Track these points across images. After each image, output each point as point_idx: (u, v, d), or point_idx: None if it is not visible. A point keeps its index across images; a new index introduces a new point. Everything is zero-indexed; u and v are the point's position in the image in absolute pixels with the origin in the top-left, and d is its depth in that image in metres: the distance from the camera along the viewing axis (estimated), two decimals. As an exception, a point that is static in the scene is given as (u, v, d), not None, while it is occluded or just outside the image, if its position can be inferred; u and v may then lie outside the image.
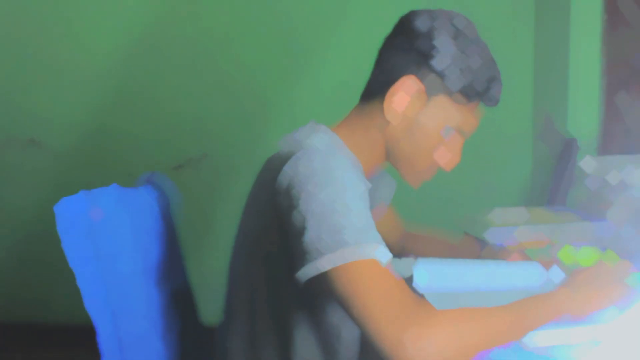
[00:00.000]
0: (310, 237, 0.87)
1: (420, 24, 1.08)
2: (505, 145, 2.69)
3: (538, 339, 0.89)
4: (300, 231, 0.88)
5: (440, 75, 1.06)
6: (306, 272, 0.87)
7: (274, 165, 1.01)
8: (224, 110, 2.70)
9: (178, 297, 1.22)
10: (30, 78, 2.69)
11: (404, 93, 1.07)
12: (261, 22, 2.67)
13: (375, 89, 1.12)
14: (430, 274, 1.12)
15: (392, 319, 0.79)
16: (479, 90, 1.08)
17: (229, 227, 2.67)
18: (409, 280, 1.14)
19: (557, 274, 1.14)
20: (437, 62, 1.06)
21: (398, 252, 1.45)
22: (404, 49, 1.08)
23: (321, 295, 1.03)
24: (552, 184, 2.31)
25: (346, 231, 0.86)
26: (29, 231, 2.77)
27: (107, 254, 0.96)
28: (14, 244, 2.78)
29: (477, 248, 1.37)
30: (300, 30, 2.66)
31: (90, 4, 2.66)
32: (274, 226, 0.99)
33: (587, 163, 1.72)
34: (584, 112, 2.25)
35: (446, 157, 1.12)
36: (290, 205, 0.92)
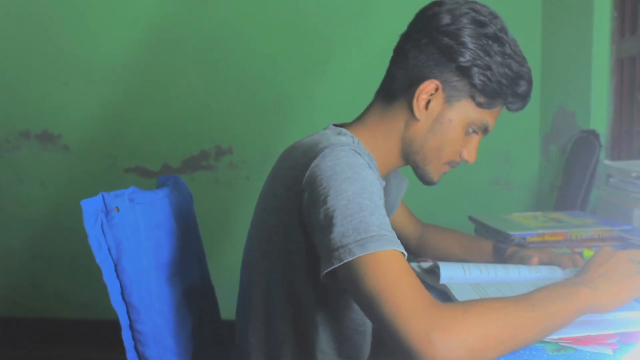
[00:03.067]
0: (339, 232, 0.87)
1: (444, 22, 1.08)
2: (513, 145, 2.69)
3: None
4: (328, 226, 0.88)
5: (465, 77, 1.07)
6: (332, 266, 0.86)
7: (297, 163, 1.01)
8: (241, 105, 2.71)
9: (195, 293, 1.23)
10: (44, 72, 2.71)
11: (431, 92, 1.09)
12: (279, 14, 2.68)
13: (400, 90, 1.13)
14: (454, 270, 1.14)
15: (421, 314, 0.78)
16: (503, 92, 1.09)
17: (246, 222, 2.70)
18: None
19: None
20: (462, 65, 1.07)
21: (416, 243, 1.46)
22: (429, 49, 1.09)
23: (345, 291, 1.03)
24: (567, 185, 2.29)
25: (374, 227, 0.86)
26: (40, 226, 2.78)
27: (122, 251, 0.96)
28: (26, 239, 2.78)
29: (489, 248, 1.36)
30: (319, 23, 2.68)
31: None
32: (295, 223, 0.99)
33: (611, 165, 1.70)
34: (597, 111, 2.23)
35: (470, 152, 1.15)
36: (317, 201, 0.92)
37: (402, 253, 0.86)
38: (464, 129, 1.12)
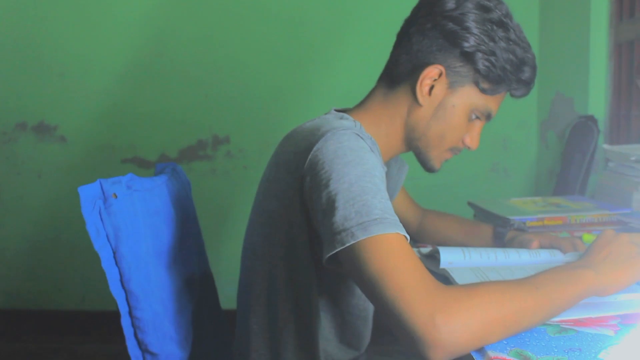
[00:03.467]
0: (341, 216, 0.86)
1: (449, 6, 1.08)
2: (511, 131, 2.68)
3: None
4: (330, 210, 0.87)
5: (469, 62, 1.07)
6: (334, 250, 0.85)
7: (299, 148, 1.00)
8: (238, 94, 2.70)
9: (194, 281, 1.22)
10: (40, 63, 2.69)
11: (435, 78, 1.08)
12: (275, 3, 2.66)
13: (403, 75, 1.13)
14: (454, 255, 1.14)
15: (424, 296, 0.78)
16: (507, 78, 1.09)
17: (244, 211, 2.69)
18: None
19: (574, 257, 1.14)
20: (466, 50, 1.06)
21: (416, 229, 1.46)
22: (433, 35, 1.09)
23: (348, 275, 1.02)
24: (566, 171, 2.28)
25: (377, 210, 0.85)
26: (38, 217, 2.77)
27: (121, 237, 0.96)
28: (24, 230, 2.78)
29: (489, 232, 1.36)
30: (315, 12, 2.68)
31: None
32: (296, 208, 0.99)
33: (610, 150, 1.69)
34: (595, 96, 2.23)
35: (472, 138, 1.15)
36: (319, 185, 0.91)
37: (405, 236, 0.86)
38: (467, 115, 1.11)
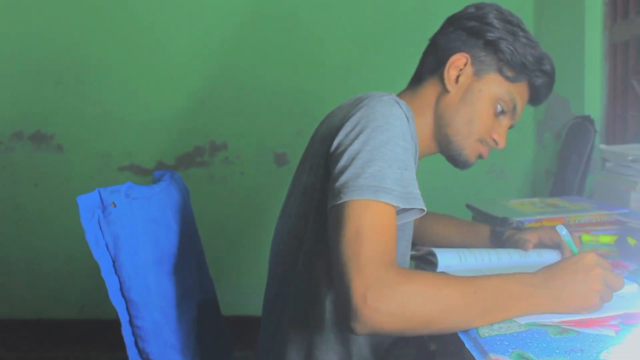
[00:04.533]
0: (355, 173, 0.90)
1: (470, 11, 1.17)
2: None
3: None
4: (345, 167, 0.92)
5: (493, 50, 1.14)
6: (341, 200, 0.89)
7: (337, 120, 1.04)
8: (235, 100, 2.71)
9: (194, 289, 1.22)
10: (36, 72, 2.69)
11: (461, 67, 1.14)
12: (271, 10, 2.68)
13: (429, 70, 1.19)
14: (451, 258, 1.16)
15: (370, 270, 0.82)
16: (529, 66, 1.15)
17: (242, 217, 2.70)
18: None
19: None
20: (490, 39, 1.13)
21: (415, 229, 1.46)
22: (456, 33, 1.16)
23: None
24: (563, 171, 2.29)
25: (388, 180, 0.89)
26: (35, 226, 2.76)
27: (120, 246, 0.96)
28: (22, 239, 2.77)
29: (487, 232, 1.37)
30: (311, 18, 2.69)
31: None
32: (322, 175, 1.02)
33: (607, 149, 1.70)
34: (591, 97, 2.23)
35: (499, 134, 1.18)
36: (346, 145, 0.95)
37: (393, 207, 0.89)
38: (493, 104, 1.15)
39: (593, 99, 2.22)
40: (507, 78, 1.14)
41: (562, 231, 1.07)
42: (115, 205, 0.97)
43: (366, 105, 0.98)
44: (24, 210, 2.76)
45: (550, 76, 1.19)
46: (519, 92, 1.17)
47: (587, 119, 2.19)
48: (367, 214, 0.87)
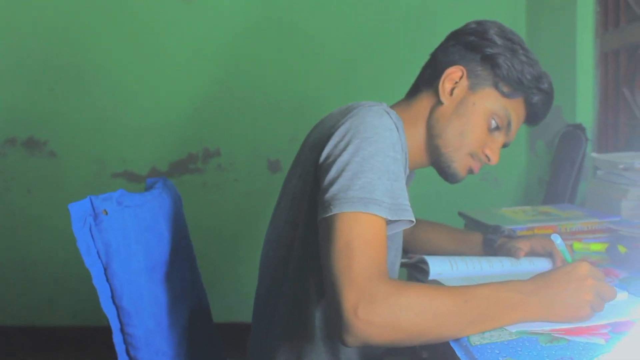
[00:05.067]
0: (344, 185, 0.90)
1: (471, 26, 1.17)
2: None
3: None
4: (334, 179, 0.92)
5: (490, 65, 1.13)
6: (331, 212, 0.89)
7: (326, 128, 1.04)
8: (228, 107, 2.71)
9: (186, 296, 1.22)
10: (29, 78, 2.69)
11: (456, 80, 1.14)
12: (265, 16, 2.69)
13: (425, 82, 1.19)
14: (442, 266, 1.16)
15: (361, 283, 0.83)
16: (526, 83, 1.14)
17: (235, 224, 2.70)
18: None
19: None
20: (487, 54, 1.13)
21: (408, 237, 1.47)
22: (455, 48, 1.17)
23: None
24: (555, 179, 2.30)
25: (377, 192, 0.90)
26: (29, 233, 2.76)
27: (112, 254, 0.96)
28: (15, 247, 2.76)
29: (479, 240, 1.37)
30: (305, 24, 2.70)
31: None
32: (311, 183, 1.03)
33: (598, 158, 1.71)
34: (583, 105, 2.25)
35: (493, 150, 1.17)
36: (335, 155, 0.95)
37: (382, 219, 0.90)
38: (487, 120, 1.14)
39: (585, 107, 2.23)
40: (503, 94, 1.14)
41: (557, 240, 1.08)
42: (107, 213, 0.97)
43: (355, 115, 0.99)
44: (18, 217, 2.75)
45: (548, 94, 1.18)
46: (514, 108, 1.16)
47: (579, 127, 2.20)
48: (357, 227, 0.87)
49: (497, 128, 1.16)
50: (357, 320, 0.80)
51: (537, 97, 1.17)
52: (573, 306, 0.88)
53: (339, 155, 0.94)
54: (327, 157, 0.97)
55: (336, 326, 0.83)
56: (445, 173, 1.19)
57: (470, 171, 1.19)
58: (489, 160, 1.17)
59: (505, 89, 1.14)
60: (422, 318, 0.82)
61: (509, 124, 1.16)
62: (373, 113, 0.98)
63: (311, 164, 1.04)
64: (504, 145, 1.20)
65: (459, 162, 1.17)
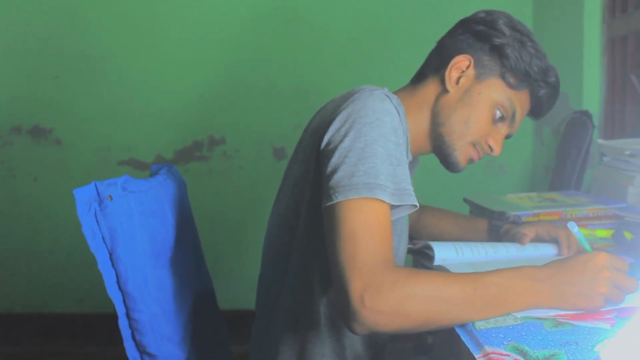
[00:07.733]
0: (349, 172, 0.90)
1: (480, 15, 1.17)
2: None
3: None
4: (337, 166, 0.92)
5: (498, 56, 1.13)
6: (337, 199, 0.89)
7: (328, 113, 1.04)
8: (233, 94, 2.71)
9: (191, 282, 1.22)
10: (34, 66, 2.69)
11: (463, 69, 1.14)
12: (270, 3, 2.66)
13: (431, 69, 1.18)
14: (447, 251, 1.15)
15: (366, 271, 0.82)
16: (533, 75, 1.14)
17: (240, 211, 2.70)
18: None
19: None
20: (496, 44, 1.13)
21: (413, 223, 1.47)
22: (463, 36, 1.16)
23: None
24: (561, 166, 2.29)
25: (381, 176, 0.89)
26: (35, 221, 2.77)
27: (117, 239, 0.96)
28: (21, 234, 2.77)
29: (484, 226, 1.37)
30: (309, 11, 2.68)
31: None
32: (313, 169, 1.02)
33: (604, 144, 1.70)
34: (589, 91, 2.23)
35: (496, 140, 1.16)
36: (336, 140, 0.95)
37: (387, 205, 0.89)
38: (492, 110, 1.14)
39: (591, 94, 2.22)
40: (509, 85, 1.14)
41: (574, 229, 1.07)
42: (111, 198, 0.97)
43: (357, 100, 0.98)
44: (23, 205, 2.76)
45: (554, 88, 1.18)
46: (519, 100, 1.16)
47: (586, 114, 2.19)
48: (362, 214, 0.87)
49: (502, 119, 1.16)
50: (364, 308, 0.80)
51: (543, 90, 1.17)
52: (585, 297, 0.86)
53: (341, 141, 0.94)
54: (329, 143, 0.96)
55: (344, 314, 0.83)
56: (446, 161, 1.19)
57: (471, 160, 1.19)
58: (491, 150, 1.17)
59: (512, 80, 1.14)
60: (429, 306, 0.82)
61: (513, 115, 1.16)
62: (374, 98, 0.98)
63: (312, 149, 1.03)
64: (507, 136, 1.20)
65: (460, 150, 1.16)
